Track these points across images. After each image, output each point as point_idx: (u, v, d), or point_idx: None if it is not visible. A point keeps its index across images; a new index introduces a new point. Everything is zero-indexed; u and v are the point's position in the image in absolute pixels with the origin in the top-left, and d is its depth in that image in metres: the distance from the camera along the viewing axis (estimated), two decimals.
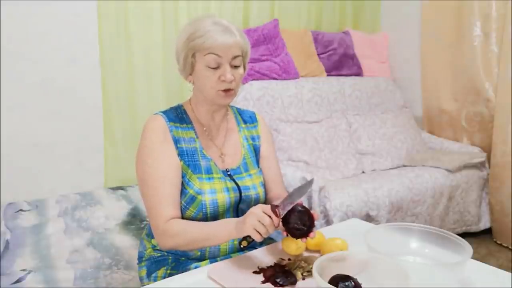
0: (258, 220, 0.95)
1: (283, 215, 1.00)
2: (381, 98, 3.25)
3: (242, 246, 0.99)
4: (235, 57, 1.13)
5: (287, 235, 1.03)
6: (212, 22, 1.12)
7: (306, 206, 1.07)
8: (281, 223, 1.01)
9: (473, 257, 0.94)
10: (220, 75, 1.12)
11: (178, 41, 1.16)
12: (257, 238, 0.96)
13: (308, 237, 1.01)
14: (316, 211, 1.05)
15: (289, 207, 1.00)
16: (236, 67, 1.14)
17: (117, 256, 1.68)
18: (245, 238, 0.99)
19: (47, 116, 2.33)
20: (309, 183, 1.06)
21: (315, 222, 1.03)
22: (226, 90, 1.14)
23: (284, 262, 1.03)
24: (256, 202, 1.22)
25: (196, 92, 1.20)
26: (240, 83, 1.18)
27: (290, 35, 3.01)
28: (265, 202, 1.29)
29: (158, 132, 1.15)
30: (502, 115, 2.71)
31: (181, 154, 1.15)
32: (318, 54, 3.15)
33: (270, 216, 0.96)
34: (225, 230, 1.04)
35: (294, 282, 0.94)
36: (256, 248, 1.14)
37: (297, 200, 1.02)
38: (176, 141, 1.16)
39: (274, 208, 0.99)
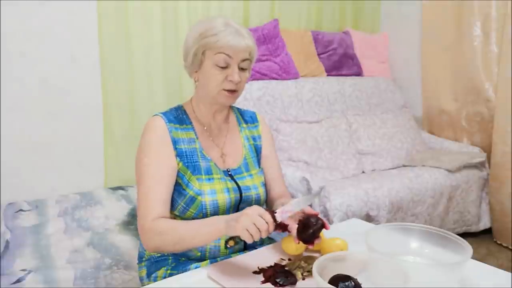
0: (252, 222, 0.93)
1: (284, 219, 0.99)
2: (381, 98, 3.25)
3: (228, 245, 0.97)
4: (244, 60, 1.14)
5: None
6: (224, 22, 1.13)
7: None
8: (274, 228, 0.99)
9: (473, 257, 0.94)
10: (227, 75, 1.13)
11: (188, 37, 1.17)
12: (248, 240, 0.93)
13: (310, 245, 1.02)
14: (327, 223, 1.05)
15: (287, 215, 0.99)
16: (243, 69, 1.16)
17: (117, 256, 1.68)
18: (233, 237, 0.97)
19: (47, 116, 2.33)
20: (315, 194, 1.05)
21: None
22: (230, 91, 1.15)
23: (284, 262, 1.03)
24: (257, 202, 1.22)
25: (199, 90, 1.21)
26: (244, 86, 1.19)
27: (290, 35, 3.01)
28: (267, 201, 1.30)
29: (156, 133, 1.15)
30: (502, 115, 2.71)
31: (180, 155, 1.15)
32: (318, 54, 3.15)
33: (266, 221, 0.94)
34: (214, 227, 1.01)
35: (294, 282, 0.94)
36: (256, 248, 1.14)
37: (297, 209, 1.01)
38: (175, 142, 1.16)
39: (271, 213, 0.97)
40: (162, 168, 1.12)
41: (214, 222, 1.03)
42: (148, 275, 1.21)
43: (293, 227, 1.05)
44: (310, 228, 1.01)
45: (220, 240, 1.15)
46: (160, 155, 1.13)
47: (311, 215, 1.04)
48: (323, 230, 1.04)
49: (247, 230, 0.93)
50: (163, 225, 1.07)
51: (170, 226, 1.07)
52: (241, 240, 0.96)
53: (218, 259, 1.14)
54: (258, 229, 0.93)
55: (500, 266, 1.12)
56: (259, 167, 1.29)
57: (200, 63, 1.15)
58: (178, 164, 1.15)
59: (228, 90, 1.14)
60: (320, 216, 1.05)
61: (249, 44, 1.14)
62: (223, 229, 0.99)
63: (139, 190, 1.13)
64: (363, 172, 2.79)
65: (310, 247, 1.02)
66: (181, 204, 1.15)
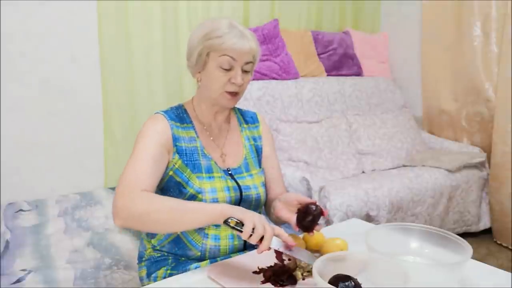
0: (263, 225, 0.92)
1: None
2: (381, 98, 3.25)
3: (225, 222, 0.94)
4: (247, 62, 1.14)
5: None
6: (229, 24, 1.13)
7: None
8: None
9: (473, 257, 0.94)
10: (230, 77, 1.13)
11: (193, 38, 1.16)
12: (246, 232, 0.91)
13: (311, 232, 1.04)
14: (325, 209, 1.08)
15: (280, 249, 0.96)
16: (246, 72, 1.16)
17: (117, 256, 1.68)
18: (235, 221, 0.94)
19: (47, 116, 2.33)
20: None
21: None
22: (233, 93, 1.15)
23: (284, 262, 1.03)
24: (257, 201, 1.22)
25: (201, 91, 1.21)
26: (246, 88, 1.19)
27: (290, 35, 3.01)
28: (266, 201, 1.30)
29: (157, 125, 1.14)
30: (502, 115, 2.71)
31: (179, 153, 1.15)
32: (318, 54, 3.15)
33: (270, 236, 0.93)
34: (215, 205, 0.99)
35: (294, 282, 0.94)
36: (255, 248, 1.14)
37: (297, 256, 0.98)
38: (176, 139, 1.16)
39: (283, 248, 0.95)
40: (157, 155, 1.10)
41: (213, 203, 1.02)
42: (148, 275, 1.21)
43: (291, 217, 1.07)
44: (309, 215, 1.03)
45: (220, 240, 1.15)
46: (157, 143, 1.11)
47: (310, 203, 1.06)
48: (322, 232, 1.04)
49: (254, 225, 0.91)
50: (154, 195, 1.03)
51: (160, 196, 1.04)
52: (239, 230, 0.93)
53: (218, 259, 1.14)
54: (264, 231, 0.92)
55: (500, 266, 1.12)
56: (260, 167, 1.29)
57: (204, 64, 1.15)
58: (177, 162, 1.15)
59: (230, 93, 1.15)
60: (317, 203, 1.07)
61: (253, 46, 1.14)
62: (227, 208, 0.97)
63: (128, 162, 1.08)
64: (363, 172, 2.79)
65: (311, 234, 1.04)
66: None
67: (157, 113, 1.19)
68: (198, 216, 0.98)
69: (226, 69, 1.12)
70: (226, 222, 0.94)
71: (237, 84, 1.13)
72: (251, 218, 0.93)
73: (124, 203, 0.99)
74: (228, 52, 1.11)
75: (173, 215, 0.99)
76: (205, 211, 0.98)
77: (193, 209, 1.00)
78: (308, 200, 1.09)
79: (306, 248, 1.10)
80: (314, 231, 1.04)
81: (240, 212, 0.95)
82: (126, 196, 1.00)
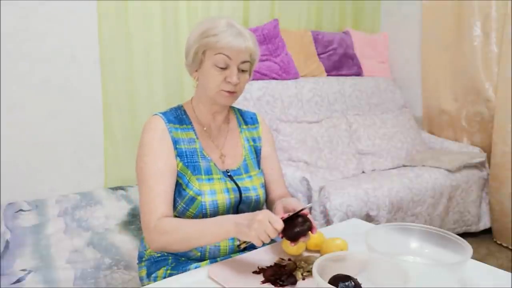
0: (264, 230, 0.93)
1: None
2: (381, 98, 3.25)
3: (241, 247, 1.00)
4: (244, 61, 1.14)
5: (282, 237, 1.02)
6: (226, 23, 1.13)
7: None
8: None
9: (473, 257, 0.94)
10: (226, 76, 1.12)
11: (190, 36, 1.17)
12: (259, 245, 0.95)
13: (293, 243, 1.00)
14: (315, 224, 1.03)
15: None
16: (243, 71, 1.16)
17: (117, 256, 1.68)
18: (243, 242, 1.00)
19: (47, 116, 2.33)
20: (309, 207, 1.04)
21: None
22: (230, 92, 1.14)
23: (284, 262, 1.03)
24: (257, 203, 1.22)
25: (199, 90, 1.21)
26: (244, 87, 1.19)
27: (290, 35, 3.01)
28: (267, 202, 1.30)
29: (156, 132, 1.15)
30: (502, 115, 2.71)
31: (180, 155, 1.15)
32: (318, 54, 3.15)
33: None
34: (223, 229, 1.01)
35: (294, 282, 0.94)
36: (256, 248, 1.14)
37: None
38: (176, 142, 1.16)
39: (282, 218, 0.97)
40: (163, 167, 1.12)
41: (222, 223, 1.02)
42: (148, 275, 1.21)
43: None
44: (295, 227, 0.99)
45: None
46: (160, 154, 1.13)
47: (301, 214, 1.02)
48: (322, 232, 1.03)
49: (258, 237, 0.93)
50: (168, 225, 1.07)
51: (176, 225, 1.07)
52: (249, 242, 0.98)
53: (218, 259, 1.14)
54: (269, 235, 0.93)
55: (500, 266, 1.12)
56: (259, 168, 1.29)
57: (200, 63, 1.16)
58: (178, 164, 1.15)
59: (227, 91, 1.14)
60: (310, 217, 1.03)
61: (249, 45, 1.14)
62: (233, 233, 0.99)
63: (141, 189, 1.13)
64: (363, 172, 2.79)
65: (292, 245, 1.00)
66: (181, 204, 1.15)
67: (156, 114, 1.19)
68: (212, 239, 1.04)
69: (221, 68, 1.12)
70: (239, 247, 1.01)
71: (233, 83, 1.12)
72: (255, 235, 0.93)
73: (147, 239, 1.09)
74: (224, 51, 1.11)
75: (190, 243, 1.07)
76: (215, 235, 1.03)
77: (204, 235, 1.04)
78: (300, 208, 1.03)
79: (306, 248, 1.10)
80: (298, 241, 1.00)
81: (244, 235, 0.96)
82: (146, 232, 1.09)
